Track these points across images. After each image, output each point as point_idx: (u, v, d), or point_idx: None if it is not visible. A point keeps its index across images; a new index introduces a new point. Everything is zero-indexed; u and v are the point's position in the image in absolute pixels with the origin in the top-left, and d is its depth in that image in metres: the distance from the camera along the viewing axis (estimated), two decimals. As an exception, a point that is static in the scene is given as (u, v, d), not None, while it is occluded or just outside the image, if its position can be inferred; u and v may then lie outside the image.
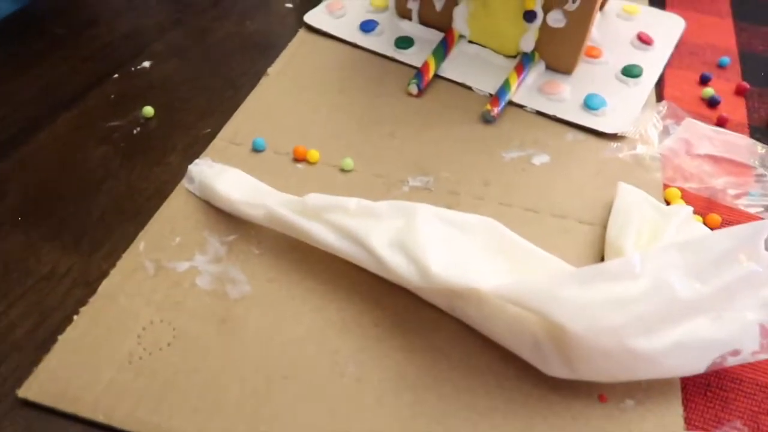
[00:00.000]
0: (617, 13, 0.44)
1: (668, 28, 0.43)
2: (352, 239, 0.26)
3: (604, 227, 0.30)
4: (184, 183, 0.31)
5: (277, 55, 0.40)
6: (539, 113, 0.36)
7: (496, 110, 0.35)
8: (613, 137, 0.35)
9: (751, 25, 0.45)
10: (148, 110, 0.35)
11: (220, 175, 0.31)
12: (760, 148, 0.34)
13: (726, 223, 0.31)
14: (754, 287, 0.23)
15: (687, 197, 0.32)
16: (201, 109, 0.36)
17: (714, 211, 0.31)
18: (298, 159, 0.33)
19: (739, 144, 0.35)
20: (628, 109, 0.36)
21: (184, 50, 0.41)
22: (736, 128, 0.36)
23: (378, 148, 0.33)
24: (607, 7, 0.44)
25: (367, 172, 0.32)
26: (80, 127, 0.35)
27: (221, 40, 0.42)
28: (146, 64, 0.39)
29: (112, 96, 0.37)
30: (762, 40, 0.44)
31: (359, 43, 0.40)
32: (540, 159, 0.34)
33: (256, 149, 0.33)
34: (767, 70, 0.41)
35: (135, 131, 0.35)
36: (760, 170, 0.33)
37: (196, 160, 0.32)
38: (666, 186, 0.32)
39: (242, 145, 0.33)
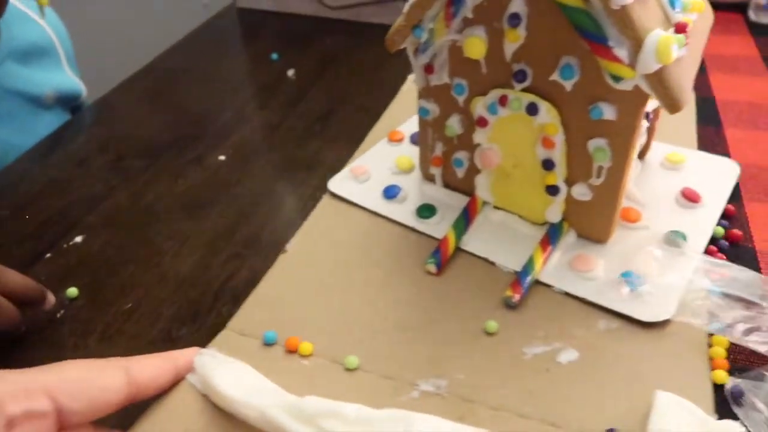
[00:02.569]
0: (660, 162, 0.41)
1: (720, 176, 0.40)
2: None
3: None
4: (188, 376, 0.30)
5: (205, 211, 0.40)
6: (568, 294, 0.33)
7: (517, 296, 0.32)
8: (653, 324, 0.31)
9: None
10: (72, 291, 0.36)
11: (220, 368, 0.30)
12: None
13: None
14: None
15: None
16: (123, 284, 0.36)
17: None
18: (303, 354, 0.31)
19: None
20: (670, 288, 0.32)
21: (115, 220, 0.42)
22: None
23: (389, 343, 0.31)
24: (648, 155, 0.42)
25: (375, 371, 0.30)
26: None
27: (151, 203, 0.43)
28: (78, 239, 0.40)
29: (43, 278, 0.37)
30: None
31: (381, 212, 0.39)
32: (567, 356, 0.30)
33: (267, 343, 0.32)
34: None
35: (58, 314, 0.35)
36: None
37: (202, 350, 0.31)
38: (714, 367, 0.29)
39: (250, 337, 0.32)
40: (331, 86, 0.57)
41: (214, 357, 0.31)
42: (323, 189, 0.42)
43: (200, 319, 0.34)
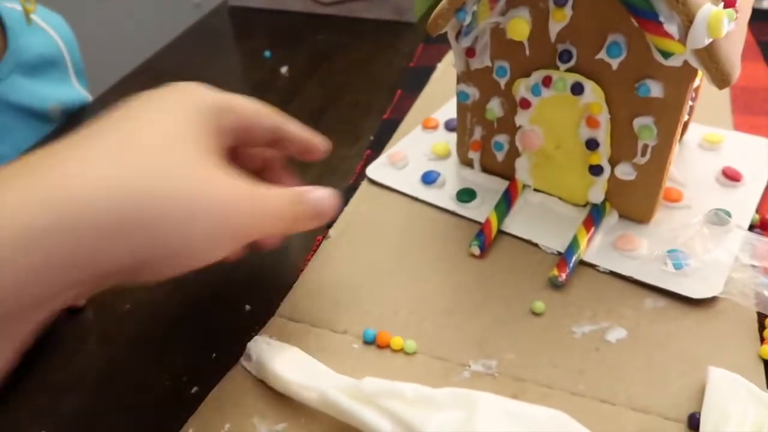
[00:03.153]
0: (698, 143, 0.41)
1: (759, 155, 0.40)
2: (407, 428, 0.25)
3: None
4: (242, 361, 0.31)
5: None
6: (613, 273, 0.33)
7: (563, 275, 0.32)
8: (700, 302, 0.31)
9: None
10: None
11: (277, 353, 0.30)
12: None
13: None
14: None
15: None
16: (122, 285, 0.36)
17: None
18: (381, 345, 0.31)
19: None
20: (717, 264, 0.32)
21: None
22: None
23: (438, 326, 0.32)
24: (686, 137, 0.42)
25: (427, 354, 0.31)
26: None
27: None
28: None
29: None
30: None
31: (420, 197, 0.40)
32: (615, 334, 0.30)
33: (367, 341, 0.31)
34: None
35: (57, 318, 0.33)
36: None
37: (256, 337, 0.32)
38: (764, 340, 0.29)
39: (301, 323, 0.33)
40: (325, 82, 0.57)
41: (269, 344, 0.31)
42: (329, 185, 0.41)
43: (201, 320, 0.34)
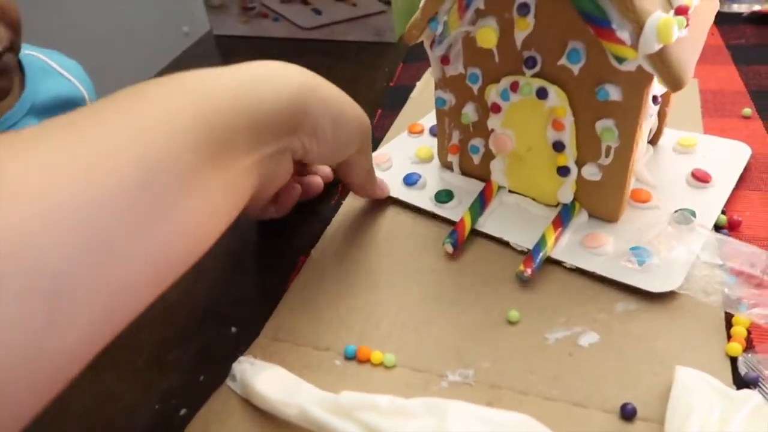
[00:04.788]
0: (673, 147, 0.42)
1: (730, 158, 0.41)
2: (382, 439, 0.26)
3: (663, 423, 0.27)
4: (227, 381, 0.32)
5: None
6: (579, 270, 0.35)
7: (529, 270, 0.34)
8: (668, 301, 0.32)
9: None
10: None
11: (260, 372, 0.31)
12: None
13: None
14: None
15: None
16: None
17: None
18: (361, 360, 0.32)
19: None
20: (678, 262, 0.34)
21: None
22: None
23: (417, 338, 0.33)
24: (661, 141, 0.43)
25: (406, 366, 0.32)
26: None
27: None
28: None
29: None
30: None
31: (402, 198, 0.42)
32: (588, 339, 0.31)
33: (348, 357, 0.32)
34: None
35: None
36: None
37: (240, 357, 0.33)
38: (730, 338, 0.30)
39: (285, 342, 0.34)
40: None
41: (253, 364, 0.32)
42: (311, 205, 0.43)
43: (187, 342, 0.35)
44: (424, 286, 0.36)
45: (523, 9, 0.32)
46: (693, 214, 0.36)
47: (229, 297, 0.38)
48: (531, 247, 0.36)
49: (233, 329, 0.35)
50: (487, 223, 0.38)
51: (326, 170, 0.44)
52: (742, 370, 0.29)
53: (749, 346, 0.30)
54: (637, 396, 0.28)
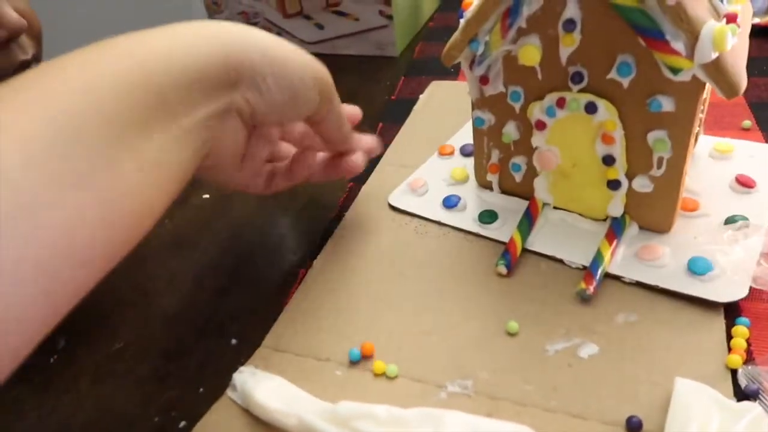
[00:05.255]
0: (709, 153, 0.42)
1: (769, 162, 0.41)
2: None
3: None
4: (228, 392, 0.31)
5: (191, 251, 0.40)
6: (640, 284, 0.34)
7: (591, 288, 0.33)
8: (668, 313, 0.32)
9: None
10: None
11: (260, 383, 0.31)
12: None
13: None
14: None
15: None
16: (114, 324, 0.36)
17: None
18: (366, 355, 0.32)
19: None
20: (741, 267, 0.33)
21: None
22: None
23: (418, 349, 0.32)
24: (697, 148, 0.43)
25: (407, 377, 0.31)
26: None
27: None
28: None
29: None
30: None
31: (444, 221, 0.41)
32: (588, 350, 0.31)
33: (353, 360, 0.32)
34: None
35: (51, 360, 0.35)
36: None
37: (241, 368, 0.32)
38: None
39: (285, 352, 0.33)
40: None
41: (254, 374, 0.32)
42: (312, 218, 0.43)
43: (187, 354, 0.34)
44: (423, 297, 0.35)
45: (570, 25, 0.32)
46: (746, 219, 0.36)
47: (230, 309, 0.37)
48: (585, 263, 0.35)
49: (233, 341, 0.35)
50: (536, 242, 0.38)
51: (368, 142, 0.41)
52: (743, 382, 0.28)
53: (749, 358, 0.29)
54: (637, 408, 0.28)
